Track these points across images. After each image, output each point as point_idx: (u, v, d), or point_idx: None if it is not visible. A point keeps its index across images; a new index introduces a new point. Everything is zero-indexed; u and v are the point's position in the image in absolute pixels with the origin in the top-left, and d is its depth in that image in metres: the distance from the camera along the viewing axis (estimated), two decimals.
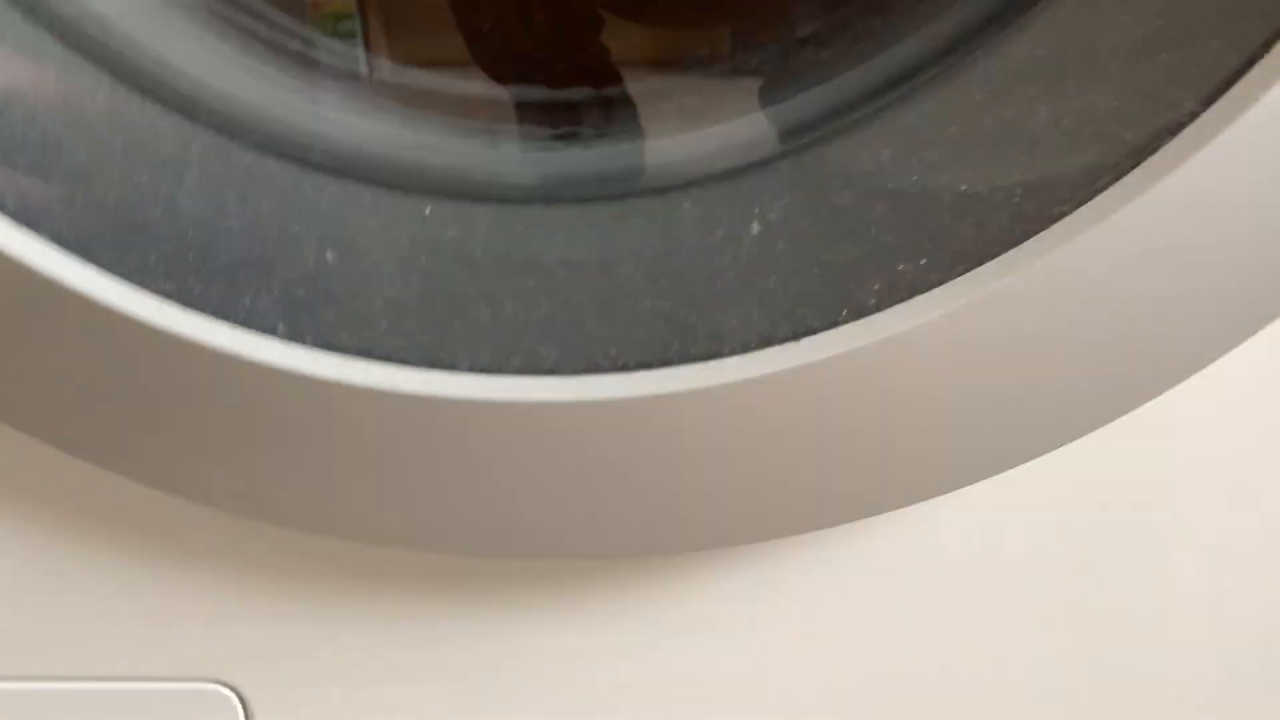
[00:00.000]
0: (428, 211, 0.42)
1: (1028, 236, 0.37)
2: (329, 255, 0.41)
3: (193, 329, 0.39)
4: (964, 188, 0.38)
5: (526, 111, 0.47)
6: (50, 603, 0.52)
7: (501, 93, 0.48)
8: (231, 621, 0.52)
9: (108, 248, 0.39)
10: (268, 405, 0.40)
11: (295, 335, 0.40)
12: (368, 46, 0.55)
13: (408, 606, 0.52)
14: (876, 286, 0.39)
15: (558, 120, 0.46)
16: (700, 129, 0.44)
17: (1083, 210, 0.37)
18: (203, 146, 0.41)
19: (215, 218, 0.40)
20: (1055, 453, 0.41)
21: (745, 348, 0.40)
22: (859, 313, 0.39)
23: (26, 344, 0.40)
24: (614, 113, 0.47)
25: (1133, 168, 0.36)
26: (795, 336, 0.39)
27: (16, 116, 0.39)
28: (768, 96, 0.45)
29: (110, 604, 0.52)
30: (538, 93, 0.47)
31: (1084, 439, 0.41)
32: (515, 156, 0.45)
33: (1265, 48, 0.35)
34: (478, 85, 0.48)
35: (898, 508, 0.43)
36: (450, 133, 0.45)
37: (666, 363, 0.40)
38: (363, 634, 0.52)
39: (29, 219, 0.39)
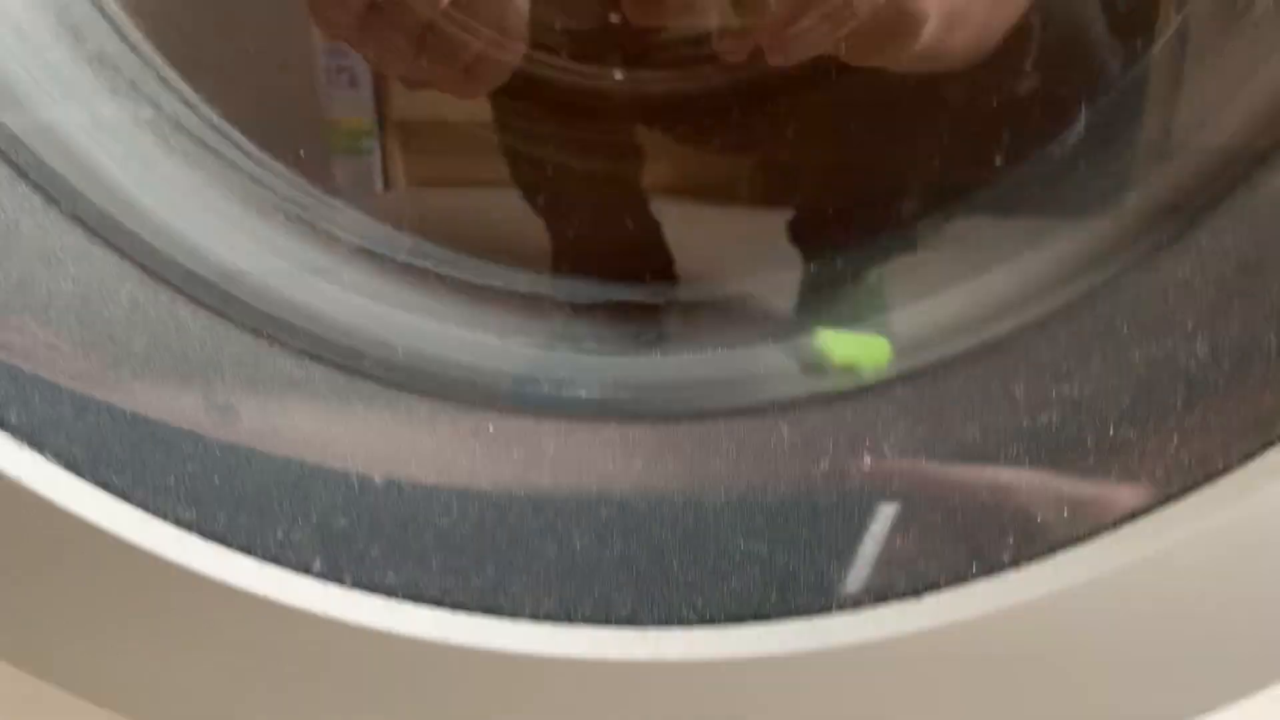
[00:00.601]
0: (491, 428, 0.37)
1: (1185, 492, 0.33)
2: (376, 479, 0.36)
3: (215, 564, 0.34)
4: (1111, 431, 0.34)
5: (605, 311, 0.43)
6: None
7: (578, 290, 0.43)
8: None
9: (121, 468, 0.34)
10: (299, 653, 0.35)
11: (333, 573, 0.35)
12: (385, 163, 0.52)
13: None
14: (1011, 540, 0.34)
15: (638, 321, 0.42)
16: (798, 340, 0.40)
17: (1253, 464, 0.32)
18: (239, 349, 0.36)
19: (248, 435, 0.35)
20: None
21: (857, 603, 0.34)
22: (990, 568, 0.34)
23: (28, 575, 0.34)
24: (698, 316, 0.42)
25: None
26: (915, 593, 0.34)
27: (27, 316, 0.34)
28: (876, 303, 0.41)
29: None
30: (618, 290, 0.43)
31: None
32: (589, 363, 0.41)
33: None
34: (547, 281, 0.44)
35: None
36: (518, 335, 0.41)
37: (763, 617, 0.35)
38: None
39: (33, 435, 0.34)
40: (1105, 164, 0.42)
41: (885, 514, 0.34)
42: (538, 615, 0.35)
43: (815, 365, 0.49)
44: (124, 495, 0.34)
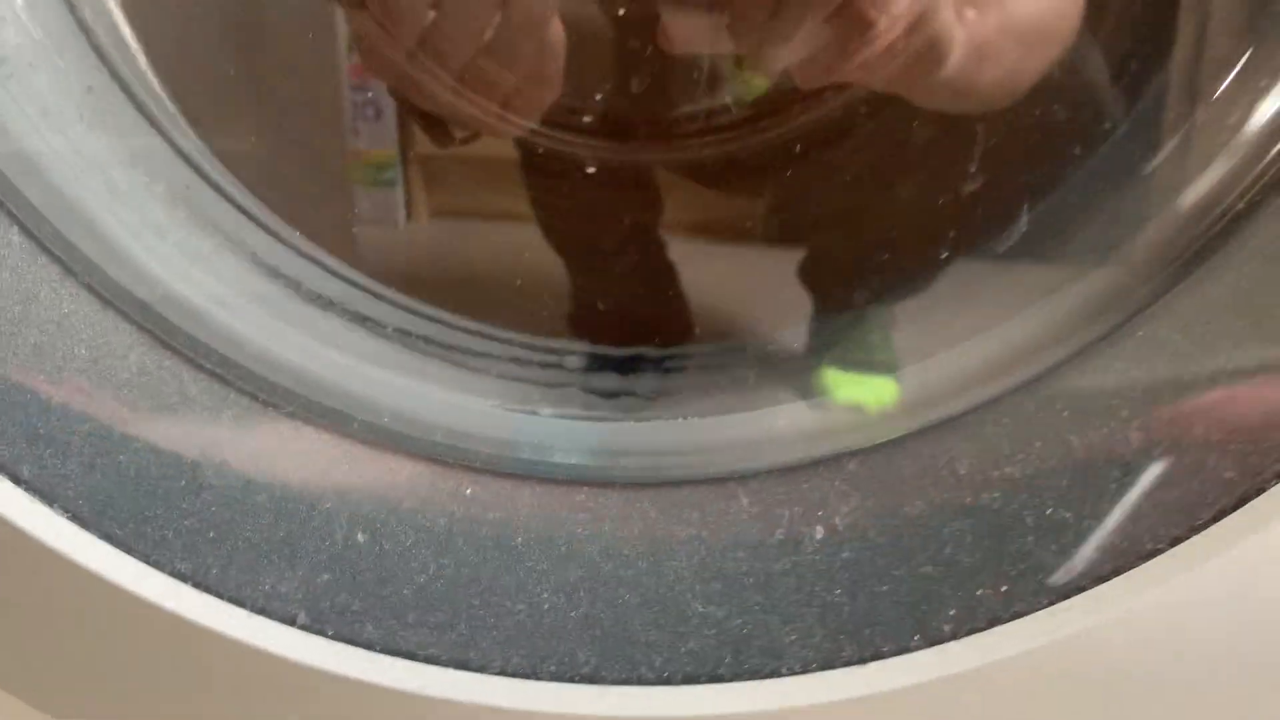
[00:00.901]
0: (469, 491, 0.39)
1: (1117, 573, 0.34)
2: (360, 536, 0.38)
3: (207, 614, 0.36)
4: (1049, 511, 0.35)
5: (590, 374, 0.45)
6: None
7: (554, 355, 0.46)
8: None
9: (124, 522, 0.37)
10: (284, 700, 0.37)
11: (316, 625, 0.37)
12: (409, 198, 0.54)
13: None
14: (953, 612, 0.36)
15: (622, 384, 0.44)
16: (761, 410, 0.42)
17: (1179, 549, 0.34)
18: (236, 411, 0.39)
19: (241, 492, 0.38)
20: None
21: (805, 667, 0.36)
22: (932, 639, 0.35)
23: (37, 620, 0.37)
24: (670, 381, 0.45)
25: (1235, 508, 0.33)
26: (862, 660, 0.36)
27: (39, 378, 0.37)
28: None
29: None
30: (599, 350, 0.45)
31: None
32: (566, 428, 0.43)
33: None
34: (528, 346, 0.46)
35: None
36: (499, 400, 0.43)
37: (717, 678, 0.37)
38: None
39: (45, 489, 0.36)
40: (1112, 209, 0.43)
41: None
42: (506, 670, 0.37)
43: (821, 404, 0.51)
44: (126, 548, 0.37)
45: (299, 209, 0.47)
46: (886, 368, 0.50)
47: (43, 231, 0.38)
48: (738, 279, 0.56)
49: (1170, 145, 0.39)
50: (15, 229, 0.38)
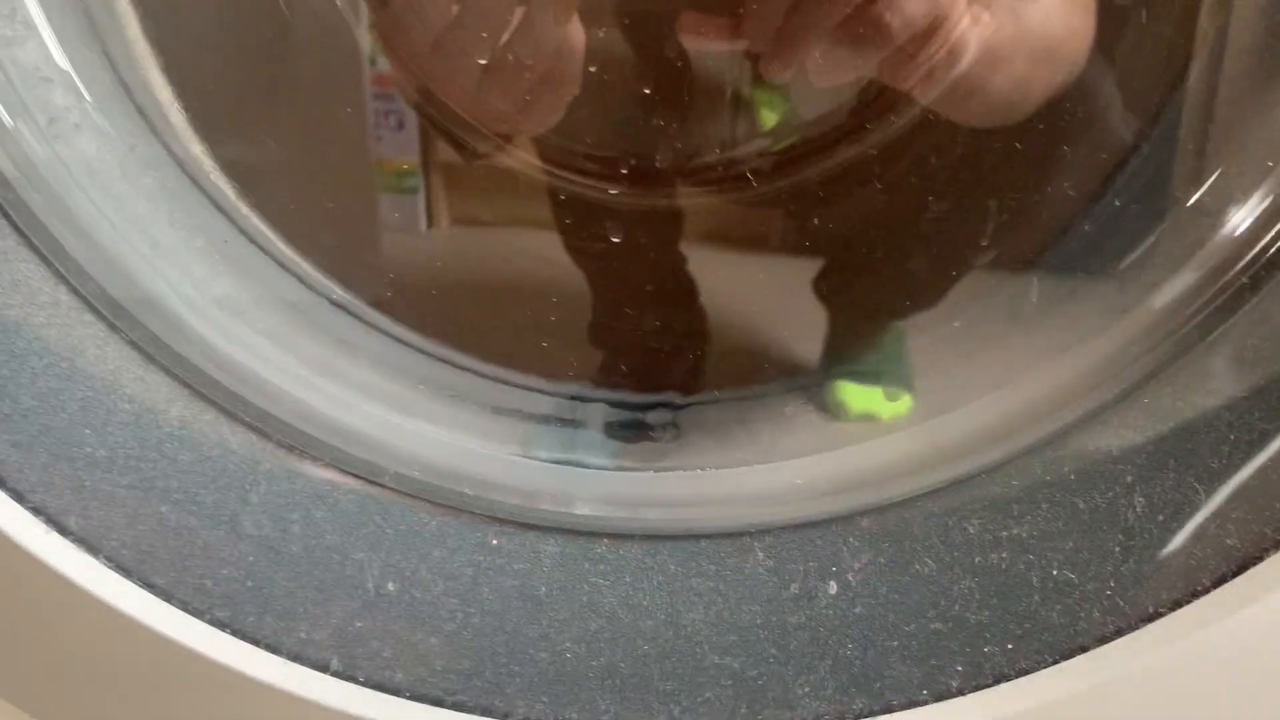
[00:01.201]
0: (494, 542, 0.40)
1: (1120, 634, 0.36)
2: (391, 585, 0.40)
3: (245, 660, 0.38)
4: (1054, 572, 0.37)
5: (612, 424, 0.47)
6: None
7: (577, 403, 0.47)
8: None
9: (165, 571, 0.38)
10: None
11: (348, 671, 0.39)
12: (429, 205, 0.55)
13: None
14: (960, 668, 0.37)
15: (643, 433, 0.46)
16: (776, 464, 0.44)
17: (1180, 613, 0.35)
18: (272, 464, 0.41)
19: (278, 542, 0.39)
20: None
21: (817, 718, 0.38)
22: (940, 694, 0.37)
23: (83, 666, 0.39)
24: (689, 433, 0.46)
25: (1235, 575, 0.35)
26: (871, 714, 0.37)
27: (86, 433, 0.39)
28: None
29: None
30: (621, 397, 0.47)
31: None
32: (589, 479, 0.45)
33: None
34: (551, 397, 0.48)
35: None
36: (525, 449, 0.45)
37: None
38: None
39: (91, 540, 0.38)
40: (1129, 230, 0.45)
41: None
42: (529, 718, 0.38)
43: (834, 416, 0.52)
44: (167, 596, 0.38)
45: (329, 245, 0.49)
46: (901, 380, 0.51)
47: (88, 289, 0.40)
48: (756, 291, 0.57)
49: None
50: (63, 288, 0.40)
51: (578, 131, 0.53)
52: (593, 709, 0.39)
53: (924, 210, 0.52)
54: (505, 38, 0.44)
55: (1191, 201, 0.40)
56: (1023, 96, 0.45)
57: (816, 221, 0.55)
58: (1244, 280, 0.36)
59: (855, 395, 0.53)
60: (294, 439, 0.41)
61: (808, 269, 0.55)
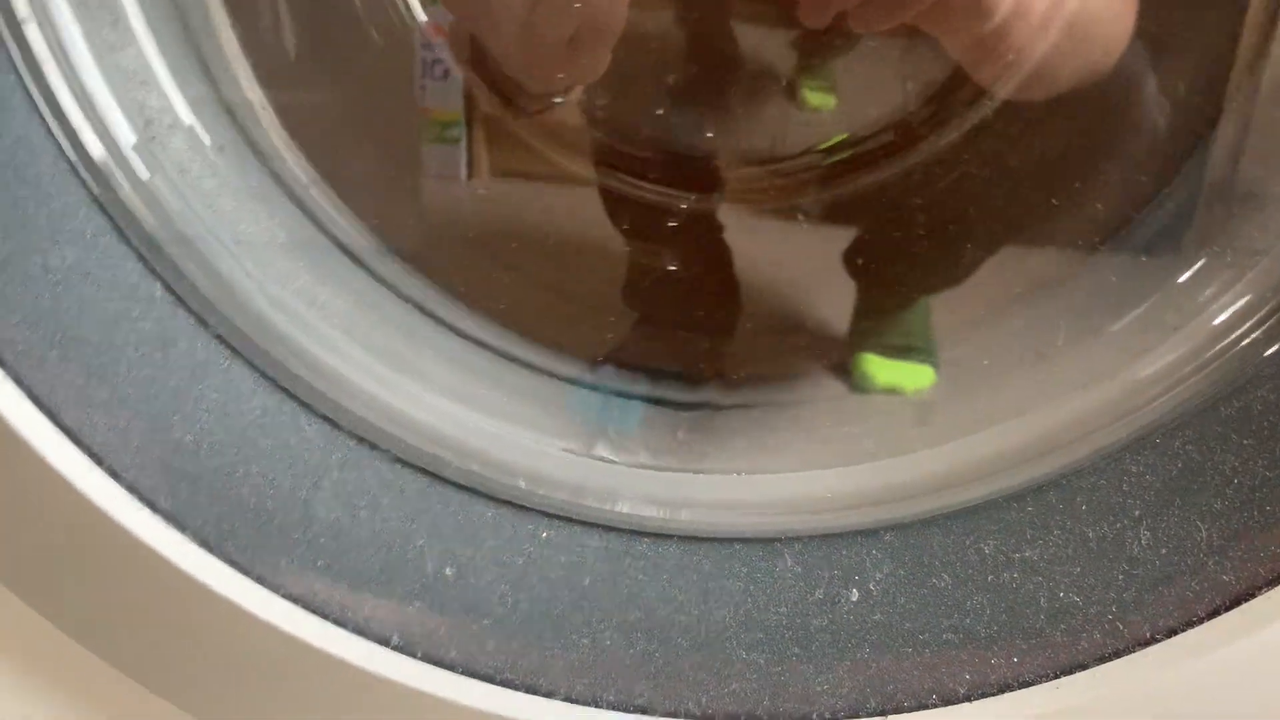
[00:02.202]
0: (544, 535, 0.44)
1: (1118, 655, 0.39)
2: (448, 570, 0.43)
3: (315, 634, 0.42)
4: (1061, 594, 0.40)
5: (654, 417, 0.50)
6: None
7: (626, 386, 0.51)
8: None
9: (245, 548, 0.42)
10: (375, 712, 0.42)
11: (407, 647, 0.42)
12: (470, 155, 0.58)
13: None
14: (968, 676, 0.40)
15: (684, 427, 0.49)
16: (807, 472, 0.47)
17: (1175, 640, 0.38)
18: (343, 454, 0.44)
19: (347, 526, 0.43)
20: None
21: (833, 715, 0.41)
22: (947, 700, 0.40)
23: (168, 634, 0.42)
24: (728, 437, 0.49)
25: (1229, 608, 0.37)
26: (883, 713, 0.41)
27: (176, 419, 0.42)
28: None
29: None
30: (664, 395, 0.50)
31: None
32: (633, 477, 0.48)
33: None
34: (600, 388, 0.51)
35: None
36: (574, 441, 0.48)
37: (754, 718, 0.41)
38: None
39: (178, 518, 0.42)
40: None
41: None
42: (570, 698, 0.42)
43: (859, 388, 0.55)
44: (246, 571, 0.42)
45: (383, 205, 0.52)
46: (925, 355, 0.54)
47: (181, 287, 0.43)
48: (789, 261, 0.60)
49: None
50: (159, 285, 0.43)
51: (621, 109, 0.55)
52: (629, 692, 0.42)
53: (959, 186, 0.54)
54: None
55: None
56: (1052, 71, 0.47)
57: (850, 194, 0.57)
58: (1257, 336, 0.39)
59: (881, 368, 0.55)
60: (364, 431, 0.44)
61: (840, 239, 0.57)
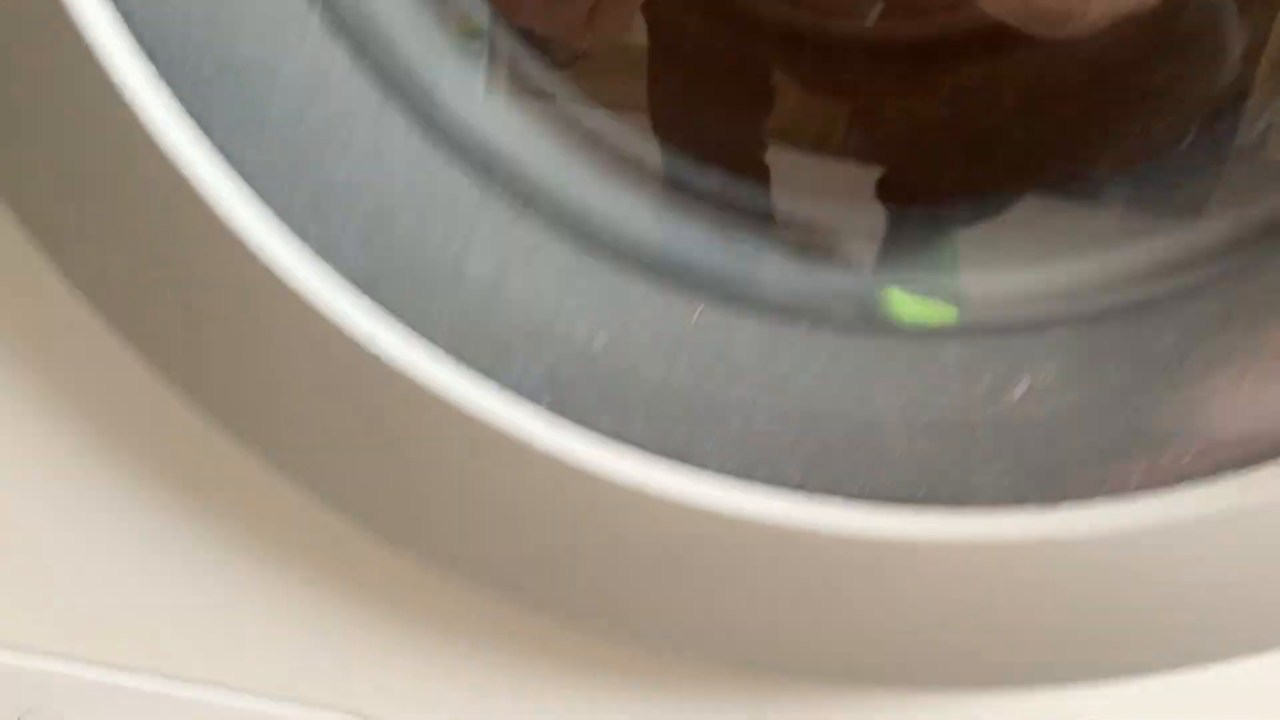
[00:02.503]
0: (695, 316, 0.42)
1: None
2: (599, 341, 0.41)
3: (463, 388, 0.40)
4: (1244, 384, 0.39)
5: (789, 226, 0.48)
6: (209, 607, 0.52)
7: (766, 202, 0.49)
8: (380, 662, 0.52)
9: (395, 294, 0.40)
10: (525, 479, 0.41)
11: (558, 409, 0.41)
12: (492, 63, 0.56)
13: (557, 686, 0.52)
14: (1140, 470, 0.39)
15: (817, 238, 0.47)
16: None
17: None
18: (494, 214, 0.42)
19: (497, 283, 0.41)
20: None
21: (996, 503, 0.40)
22: (1119, 492, 0.39)
23: (294, 377, 0.41)
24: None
25: None
26: (1051, 501, 0.39)
27: (326, 153, 0.40)
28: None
29: (268, 622, 0.52)
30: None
31: None
32: (781, 270, 0.46)
33: None
34: (750, 192, 0.49)
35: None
36: (724, 238, 0.46)
37: (913, 503, 0.40)
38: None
39: (329, 254, 0.40)
40: (1201, 170, 0.46)
41: None
42: (722, 470, 0.41)
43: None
44: (396, 315, 0.40)
45: None
46: (950, 293, 0.53)
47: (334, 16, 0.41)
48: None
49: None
50: (315, 16, 0.41)
51: None
52: (780, 471, 0.41)
53: (999, 117, 0.53)
54: None
55: None
56: (1085, 7, 0.45)
57: (891, 113, 0.56)
58: None
59: (906, 304, 0.54)
60: (516, 192, 0.42)
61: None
